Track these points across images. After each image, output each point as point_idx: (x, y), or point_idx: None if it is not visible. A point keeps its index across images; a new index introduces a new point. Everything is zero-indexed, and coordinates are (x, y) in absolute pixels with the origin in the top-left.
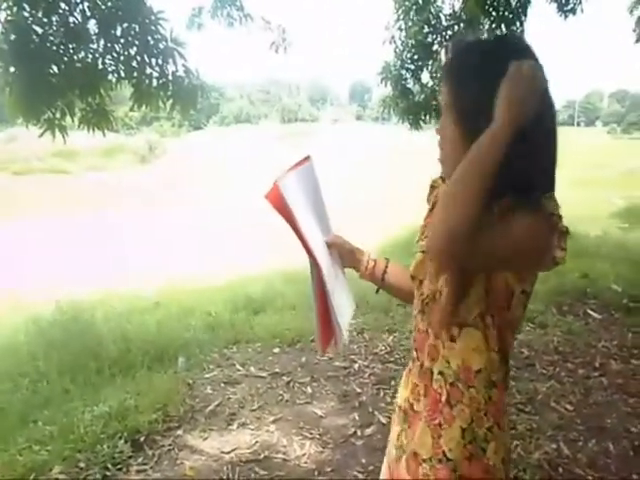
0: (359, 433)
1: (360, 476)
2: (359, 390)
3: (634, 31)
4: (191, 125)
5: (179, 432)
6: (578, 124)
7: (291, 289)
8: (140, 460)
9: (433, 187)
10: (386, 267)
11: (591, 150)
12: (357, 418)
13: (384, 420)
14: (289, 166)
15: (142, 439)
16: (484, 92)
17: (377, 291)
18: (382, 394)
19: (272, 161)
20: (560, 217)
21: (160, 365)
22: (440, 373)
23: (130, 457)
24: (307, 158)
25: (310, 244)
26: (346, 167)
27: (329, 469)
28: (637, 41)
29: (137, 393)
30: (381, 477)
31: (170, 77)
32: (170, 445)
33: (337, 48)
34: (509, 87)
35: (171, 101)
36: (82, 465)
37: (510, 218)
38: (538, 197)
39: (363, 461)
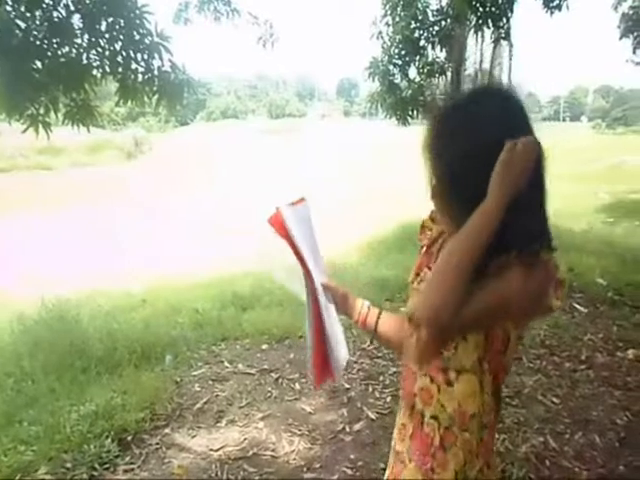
0: (348, 429)
1: (349, 472)
2: (348, 386)
3: (618, 27)
4: (178, 121)
5: (167, 430)
6: (564, 119)
7: (279, 286)
8: (127, 459)
9: (424, 227)
10: (379, 316)
11: (576, 145)
12: (346, 414)
13: (373, 416)
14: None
15: (129, 438)
16: (462, 164)
17: (371, 341)
18: (371, 389)
19: (260, 156)
20: (557, 266)
21: (147, 363)
22: (434, 417)
23: (117, 456)
24: (302, 199)
25: (311, 270)
26: (334, 162)
27: (318, 465)
28: (621, 37)
29: (124, 392)
30: None
31: (156, 72)
32: (158, 444)
33: (325, 44)
34: (503, 170)
35: (157, 96)
36: (68, 465)
37: (506, 275)
38: (536, 249)
39: (352, 457)
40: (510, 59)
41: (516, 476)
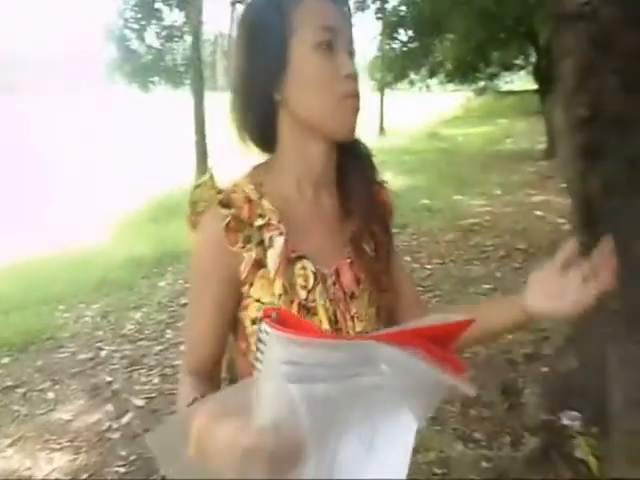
0: (115, 425)
1: (122, 470)
2: (110, 378)
3: None
4: None
5: None
6: None
7: (18, 287)
8: None
9: (229, 230)
10: None
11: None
12: (111, 409)
13: (141, 403)
14: None
15: None
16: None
17: None
18: (136, 376)
19: None
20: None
21: None
22: None
23: None
24: None
25: None
26: (72, 137)
27: (85, 475)
28: None
29: None
30: None
31: None
32: None
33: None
34: None
35: None
36: None
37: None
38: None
39: (123, 453)
40: None
41: None
